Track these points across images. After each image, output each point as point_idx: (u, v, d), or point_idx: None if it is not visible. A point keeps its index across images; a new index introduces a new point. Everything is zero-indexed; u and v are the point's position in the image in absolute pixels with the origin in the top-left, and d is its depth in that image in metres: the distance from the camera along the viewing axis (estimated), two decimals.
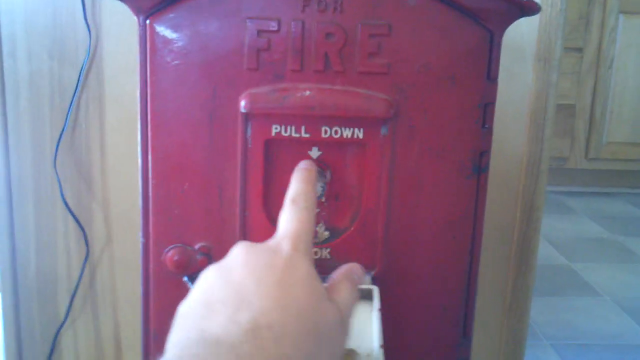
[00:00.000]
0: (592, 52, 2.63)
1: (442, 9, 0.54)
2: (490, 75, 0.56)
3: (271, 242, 0.45)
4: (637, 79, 2.65)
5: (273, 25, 0.54)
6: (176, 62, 0.55)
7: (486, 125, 0.57)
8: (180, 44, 0.55)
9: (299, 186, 0.49)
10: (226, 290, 0.40)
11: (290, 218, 0.46)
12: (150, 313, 0.60)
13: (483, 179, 0.58)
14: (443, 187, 0.57)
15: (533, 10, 0.54)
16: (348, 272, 0.48)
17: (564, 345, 1.53)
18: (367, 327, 0.51)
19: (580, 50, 2.62)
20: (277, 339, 0.37)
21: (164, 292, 0.60)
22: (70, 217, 0.87)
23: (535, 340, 1.55)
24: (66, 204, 0.85)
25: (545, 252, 2.12)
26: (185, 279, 0.59)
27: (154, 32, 0.55)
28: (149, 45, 0.55)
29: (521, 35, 0.83)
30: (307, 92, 0.54)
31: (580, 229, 2.37)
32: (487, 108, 0.56)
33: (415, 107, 0.55)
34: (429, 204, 0.58)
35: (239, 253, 0.43)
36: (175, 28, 0.55)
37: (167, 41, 0.55)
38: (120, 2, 0.54)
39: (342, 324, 0.43)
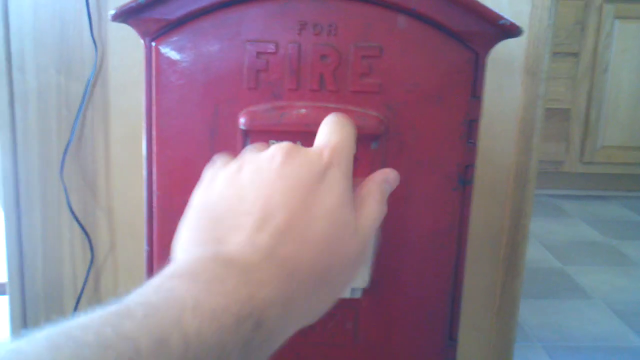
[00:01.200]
0: (587, 57, 2.67)
1: (430, 31, 0.58)
2: (475, 94, 0.59)
3: (312, 151, 0.42)
4: (632, 84, 2.69)
5: (271, 48, 0.58)
6: (180, 81, 0.59)
7: (471, 141, 0.60)
8: (184, 64, 0.59)
9: (338, 116, 0.47)
10: (253, 201, 0.38)
11: (334, 130, 0.44)
12: None
13: (468, 191, 0.62)
14: (430, 198, 0.61)
15: (516, 33, 0.58)
16: (381, 179, 0.46)
17: (555, 347, 1.57)
18: None
19: (575, 54, 2.66)
20: (292, 269, 0.36)
21: None
22: (75, 225, 0.90)
23: (527, 342, 1.58)
24: (72, 211, 0.89)
25: (539, 255, 2.16)
26: None
27: (159, 53, 0.59)
28: (154, 65, 0.59)
29: (510, 49, 0.86)
30: (303, 110, 0.58)
31: (574, 232, 2.41)
32: (471, 124, 0.60)
33: (404, 124, 0.59)
34: (417, 214, 0.61)
35: (278, 154, 0.40)
36: (179, 50, 0.58)
37: (171, 62, 0.59)
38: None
39: (362, 254, 0.41)
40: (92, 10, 0.85)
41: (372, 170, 0.59)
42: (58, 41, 0.86)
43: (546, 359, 1.52)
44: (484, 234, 0.93)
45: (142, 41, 0.59)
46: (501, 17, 0.56)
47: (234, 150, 0.59)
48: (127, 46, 0.86)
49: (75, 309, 0.94)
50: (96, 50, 0.86)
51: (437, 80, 0.58)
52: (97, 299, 0.94)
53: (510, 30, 0.57)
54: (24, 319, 0.95)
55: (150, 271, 0.63)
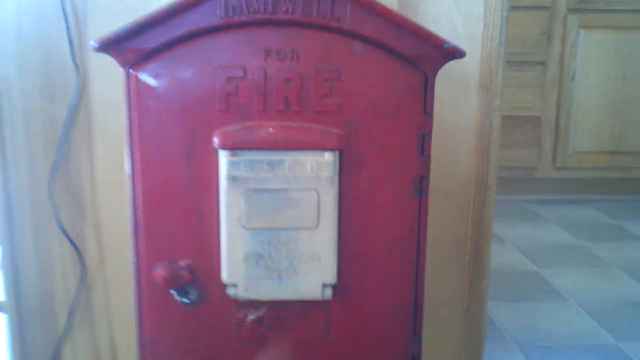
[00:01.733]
0: (554, 66, 2.75)
1: (383, 55, 0.64)
2: (427, 110, 0.66)
3: None
4: (599, 91, 2.78)
5: (239, 73, 0.64)
6: (158, 105, 0.65)
7: (424, 153, 0.66)
8: (160, 90, 0.64)
9: None
10: None
11: None
12: (143, 324, 0.69)
13: (424, 200, 0.68)
14: (390, 207, 0.67)
15: (459, 54, 0.64)
16: None
17: (530, 347, 1.63)
18: None
19: (543, 64, 2.74)
20: None
21: (155, 304, 0.69)
22: (66, 241, 0.95)
23: (503, 343, 1.64)
24: (62, 228, 0.94)
25: (514, 259, 2.22)
26: (173, 292, 0.68)
27: (137, 80, 0.64)
28: (133, 91, 0.65)
29: (465, 67, 0.93)
30: (271, 129, 0.64)
31: (548, 236, 2.48)
32: (425, 138, 0.66)
33: (363, 139, 0.65)
34: (378, 222, 0.67)
35: None
36: (155, 76, 0.64)
37: (149, 88, 0.64)
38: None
39: None
40: (73, 37, 0.90)
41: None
42: (41, 67, 0.92)
43: (522, 358, 1.58)
44: (449, 240, 0.99)
45: (120, 69, 0.65)
46: (445, 42, 0.63)
47: (209, 167, 0.65)
48: (107, 70, 0.91)
49: (69, 321, 0.99)
50: (78, 75, 0.91)
51: (392, 99, 0.65)
52: (89, 311, 0.99)
53: (454, 53, 0.64)
54: (22, 333, 1.00)
55: (139, 281, 0.68)
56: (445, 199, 0.96)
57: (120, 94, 0.88)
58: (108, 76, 0.92)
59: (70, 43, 0.89)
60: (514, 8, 2.66)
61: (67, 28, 0.89)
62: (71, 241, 0.95)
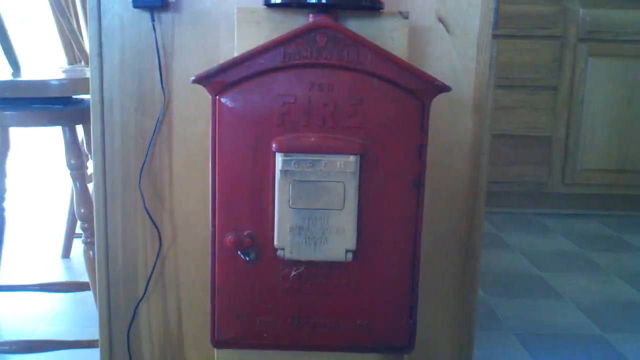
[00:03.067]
0: (565, 90, 3.00)
1: (392, 88, 0.91)
2: (423, 127, 0.93)
3: None
4: (606, 113, 3.02)
5: (292, 99, 0.91)
6: (234, 120, 0.93)
7: (421, 158, 0.93)
8: (236, 110, 0.92)
9: None
10: None
11: None
12: (216, 276, 0.97)
13: (422, 191, 0.95)
14: (396, 195, 0.94)
15: (446, 89, 0.91)
16: None
17: (526, 335, 1.88)
18: None
19: (554, 88, 2.99)
20: None
21: (225, 262, 0.96)
22: (146, 223, 1.24)
23: (502, 331, 1.89)
24: (147, 212, 1.22)
25: (519, 264, 2.47)
26: (238, 253, 0.95)
27: (220, 103, 0.92)
28: (217, 111, 0.93)
29: (461, 95, 1.19)
30: (312, 139, 0.91)
31: (553, 245, 2.72)
32: (422, 147, 0.93)
33: (377, 147, 0.92)
34: (387, 206, 0.94)
35: None
36: (233, 101, 0.92)
37: (228, 108, 0.92)
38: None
39: None
40: (162, 68, 1.19)
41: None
42: (137, 90, 1.20)
43: (517, 343, 1.83)
44: (447, 230, 1.25)
45: (209, 95, 0.93)
46: (436, 80, 0.90)
47: (268, 164, 0.92)
48: (185, 94, 1.20)
49: (146, 286, 1.26)
50: (164, 96, 1.20)
51: (398, 119, 0.92)
52: (162, 279, 1.27)
53: (443, 88, 0.91)
54: (108, 294, 1.28)
55: (214, 244, 0.96)
56: (444, 197, 1.23)
57: (193, 110, 1.17)
58: (185, 98, 1.20)
59: (160, 72, 1.18)
60: (529, 37, 2.94)
61: (159, 61, 1.17)
62: (153, 222, 1.23)
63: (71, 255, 2.42)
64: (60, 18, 2.08)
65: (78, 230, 2.46)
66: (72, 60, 2.29)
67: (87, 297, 2.02)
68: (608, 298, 2.17)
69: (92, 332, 1.73)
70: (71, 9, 2.33)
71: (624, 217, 3.15)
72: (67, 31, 2.13)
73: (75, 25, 2.17)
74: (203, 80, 0.91)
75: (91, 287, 1.56)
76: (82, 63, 2.27)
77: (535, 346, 1.80)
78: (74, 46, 2.18)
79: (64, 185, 3.51)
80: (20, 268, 2.30)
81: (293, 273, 0.96)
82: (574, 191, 3.10)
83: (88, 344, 1.57)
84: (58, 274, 2.26)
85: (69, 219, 2.37)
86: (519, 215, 3.13)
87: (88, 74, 1.41)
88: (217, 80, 0.91)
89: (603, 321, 1.98)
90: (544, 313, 2.03)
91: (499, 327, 1.92)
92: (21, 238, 2.62)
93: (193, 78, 0.91)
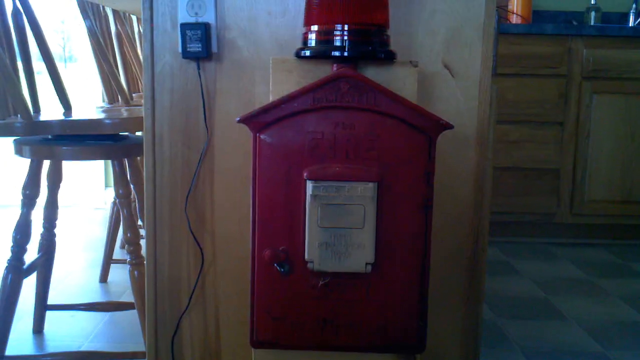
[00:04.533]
0: (571, 125, 3.17)
1: (404, 126, 1.09)
2: (430, 159, 1.10)
3: None
4: (611, 147, 3.18)
5: (320, 135, 1.09)
6: (271, 153, 1.11)
7: (429, 184, 1.11)
8: (273, 144, 1.10)
9: None
10: None
11: None
12: (256, 284, 1.14)
13: (430, 213, 1.12)
14: (407, 216, 1.11)
15: (449, 127, 1.09)
16: None
17: (531, 352, 2.02)
18: None
19: (561, 123, 3.16)
20: None
21: (263, 272, 1.13)
22: (190, 243, 1.42)
23: (509, 348, 2.04)
24: (192, 233, 1.40)
25: (528, 289, 2.62)
26: (275, 265, 1.13)
27: (259, 139, 1.11)
28: (257, 145, 1.11)
29: (465, 130, 1.37)
30: (337, 169, 1.09)
31: (560, 271, 2.86)
32: (429, 175, 1.10)
33: (392, 175, 1.09)
34: (400, 225, 1.11)
35: None
36: (270, 137, 1.10)
37: (266, 143, 1.11)
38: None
39: None
40: (206, 108, 1.38)
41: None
42: (184, 127, 1.39)
43: (523, 358, 1.97)
44: (455, 248, 1.42)
45: (250, 133, 1.11)
46: (441, 119, 1.08)
47: (300, 189, 1.10)
48: (226, 130, 1.38)
49: (189, 300, 1.44)
50: (207, 131, 1.38)
51: (409, 152, 1.10)
52: (203, 294, 1.44)
53: (447, 125, 1.09)
54: (155, 306, 1.45)
55: (253, 258, 1.13)
56: (452, 218, 1.40)
57: (232, 145, 1.35)
58: (225, 134, 1.39)
59: (204, 112, 1.37)
60: (535, 76, 3.12)
61: (203, 103, 1.37)
62: (197, 242, 1.41)
63: (108, 280, 2.61)
64: (102, 61, 2.29)
65: (115, 256, 2.65)
66: (111, 99, 2.50)
67: (124, 317, 2.20)
68: (611, 319, 2.31)
69: (132, 347, 1.91)
70: (110, 53, 2.55)
71: (629, 245, 3.29)
72: (107, 73, 2.34)
73: (115, 68, 2.38)
74: (246, 120, 1.09)
75: (135, 305, 1.73)
76: (120, 102, 2.48)
77: None
78: (114, 87, 2.39)
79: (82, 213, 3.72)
80: (63, 291, 2.49)
81: (321, 282, 1.13)
82: (581, 221, 3.25)
83: (132, 355, 1.74)
84: (97, 297, 2.44)
85: (106, 245, 2.56)
86: (528, 244, 3.28)
87: (129, 114, 1.62)
88: (258, 120, 1.10)
89: (605, 340, 2.12)
90: (549, 333, 2.17)
91: (507, 346, 2.06)
92: (60, 263, 2.81)
93: (238, 119, 1.09)
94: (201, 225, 1.42)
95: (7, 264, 1.70)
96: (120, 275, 2.65)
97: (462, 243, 1.42)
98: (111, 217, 2.59)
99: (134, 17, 3.08)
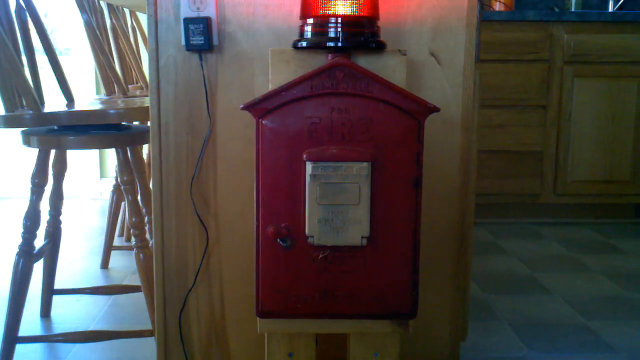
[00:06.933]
0: (553, 108, 3.28)
1: (395, 110, 1.19)
2: (419, 140, 1.20)
3: None
4: (592, 129, 3.29)
5: (318, 120, 1.19)
6: (273, 137, 1.20)
7: (419, 163, 1.20)
8: (274, 129, 1.20)
9: None
10: None
11: None
12: (260, 259, 1.24)
13: (419, 189, 1.22)
14: (399, 194, 1.21)
15: (436, 110, 1.18)
16: None
17: (518, 325, 2.13)
18: None
19: (544, 107, 3.27)
20: None
21: (267, 247, 1.23)
22: (196, 224, 1.51)
23: (497, 322, 2.15)
24: (198, 215, 1.50)
25: (514, 266, 2.73)
26: (278, 240, 1.22)
27: (262, 124, 1.20)
28: (260, 131, 1.20)
29: (452, 115, 1.47)
30: (334, 150, 1.18)
31: (545, 249, 2.98)
32: (419, 155, 1.20)
33: (384, 155, 1.19)
34: (393, 202, 1.21)
35: None
36: (272, 122, 1.20)
37: (268, 128, 1.20)
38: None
39: None
40: (208, 99, 1.46)
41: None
42: (188, 116, 1.48)
43: (511, 332, 2.08)
44: (443, 226, 1.52)
45: (253, 119, 1.20)
46: (429, 103, 1.17)
47: (300, 170, 1.19)
48: (227, 119, 1.47)
49: (195, 278, 1.53)
50: (210, 120, 1.47)
51: (399, 134, 1.19)
52: (208, 273, 1.54)
53: (433, 109, 1.18)
54: (164, 285, 1.55)
55: (258, 235, 1.23)
56: (440, 197, 1.50)
57: (233, 132, 1.44)
58: (227, 122, 1.48)
59: (207, 101, 1.46)
60: (518, 61, 3.22)
61: (205, 93, 1.45)
62: (202, 223, 1.50)
63: (109, 266, 2.69)
64: (100, 54, 2.37)
65: (115, 243, 2.74)
66: (109, 91, 2.58)
67: (128, 299, 2.29)
68: (592, 293, 2.42)
69: (138, 327, 2.00)
70: (106, 46, 2.62)
71: (611, 224, 3.42)
72: (105, 66, 2.42)
73: (112, 61, 2.46)
74: (249, 107, 1.19)
75: (142, 285, 1.82)
76: (117, 93, 2.56)
77: (527, 334, 2.05)
78: (111, 79, 2.47)
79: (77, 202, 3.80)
80: (67, 277, 2.57)
81: (320, 256, 1.23)
82: (564, 201, 3.37)
83: (139, 334, 1.83)
84: (100, 282, 2.53)
85: (107, 233, 2.65)
86: (514, 225, 3.39)
87: (130, 104, 1.70)
88: (260, 107, 1.19)
89: (588, 312, 2.23)
90: (535, 306, 2.28)
91: (494, 319, 2.17)
92: (63, 251, 2.89)
93: (242, 106, 1.18)
94: (205, 208, 1.52)
95: (18, 249, 1.78)
96: (120, 261, 2.74)
97: (450, 220, 1.52)
98: (110, 205, 2.68)
99: (127, 11, 3.15)
